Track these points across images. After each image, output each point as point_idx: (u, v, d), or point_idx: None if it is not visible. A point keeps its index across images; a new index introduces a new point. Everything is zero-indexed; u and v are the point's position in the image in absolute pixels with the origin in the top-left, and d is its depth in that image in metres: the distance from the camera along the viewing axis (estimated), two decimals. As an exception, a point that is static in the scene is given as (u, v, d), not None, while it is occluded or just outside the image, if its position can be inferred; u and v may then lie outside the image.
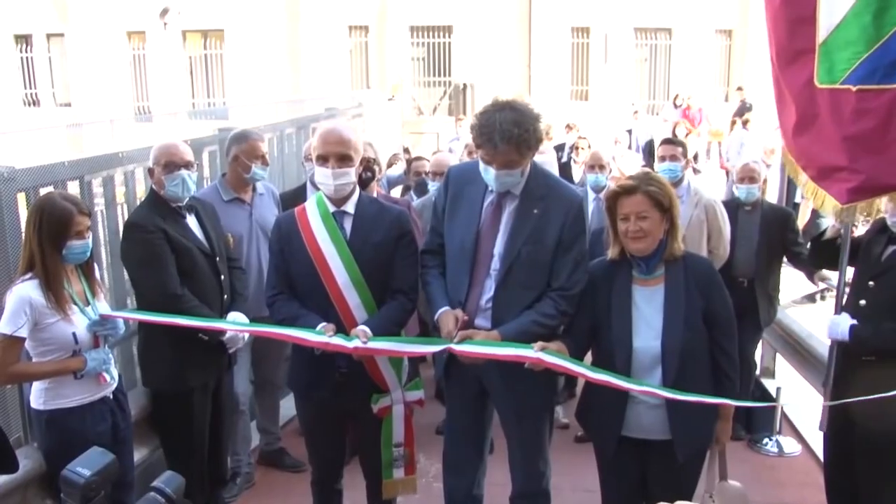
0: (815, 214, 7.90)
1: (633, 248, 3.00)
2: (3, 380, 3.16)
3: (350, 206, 3.27)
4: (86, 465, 1.80)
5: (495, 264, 3.18)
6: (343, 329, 3.17)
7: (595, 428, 3.26)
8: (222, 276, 3.82)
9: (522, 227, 3.14)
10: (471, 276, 3.21)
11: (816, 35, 3.35)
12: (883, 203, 3.34)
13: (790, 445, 5.14)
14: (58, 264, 3.10)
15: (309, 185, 4.72)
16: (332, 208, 3.26)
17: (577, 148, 9.05)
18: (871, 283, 3.40)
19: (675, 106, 17.07)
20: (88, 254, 3.23)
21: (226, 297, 3.84)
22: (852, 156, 3.31)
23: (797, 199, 8.81)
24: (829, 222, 3.85)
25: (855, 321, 3.35)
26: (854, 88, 3.26)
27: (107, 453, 1.88)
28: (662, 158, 5.06)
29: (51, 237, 3.07)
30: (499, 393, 3.31)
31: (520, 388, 3.21)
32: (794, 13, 3.41)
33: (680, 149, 5.12)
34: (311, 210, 3.28)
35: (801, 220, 7.65)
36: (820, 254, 3.94)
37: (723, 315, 3.05)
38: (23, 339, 3.05)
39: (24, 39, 23.32)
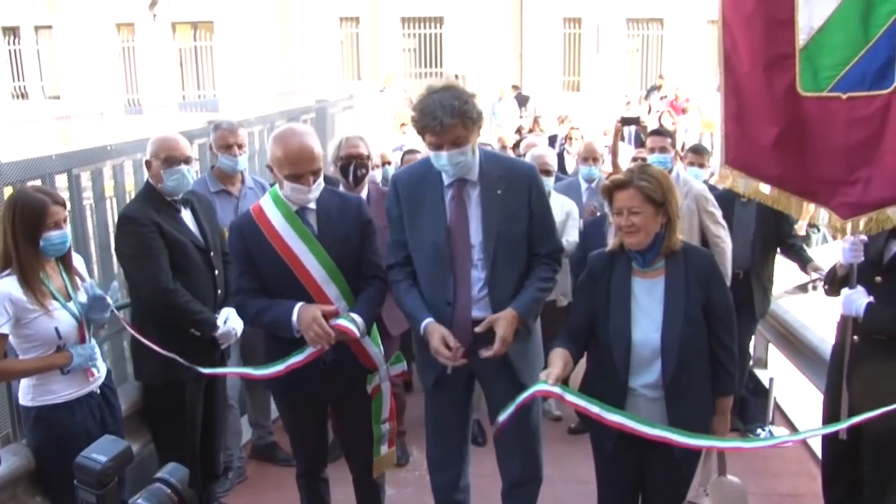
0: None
1: (627, 243, 2.98)
2: None
3: (311, 202, 3.22)
4: (101, 452, 1.81)
5: (477, 254, 3.18)
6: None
7: (594, 422, 3.23)
8: (216, 271, 3.78)
9: (493, 209, 3.16)
10: (454, 274, 3.19)
11: (796, 39, 3.26)
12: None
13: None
14: (33, 258, 3.06)
15: None
16: (293, 206, 3.20)
17: (570, 138, 9.02)
18: (878, 279, 3.35)
19: (661, 96, 17.09)
20: (67, 244, 3.18)
21: (220, 291, 3.80)
22: (849, 167, 3.23)
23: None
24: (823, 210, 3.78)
25: (871, 298, 3.31)
26: (844, 96, 3.18)
27: (119, 440, 1.89)
28: (651, 150, 5.09)
29: (25, 230, 3.03)
30: (492, 382, 3.30)
31: (507, 364, 3.22)
32: (770, 16, 3.30)
33: (669, 140, 5.15)
34: (270, 210, 3.21)
35: (803, 218, 7.61)
36: (836, 290, 3.68)
37: (723, 308, 3.02)
38: (5, 336, 3.02)
39: (12, 32, 23.18)
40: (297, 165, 3.10)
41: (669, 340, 2.92)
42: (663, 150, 5.05)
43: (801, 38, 3.25)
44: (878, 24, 3.07)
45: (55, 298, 3.13)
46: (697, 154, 5.55)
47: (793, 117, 3.33)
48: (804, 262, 5.24)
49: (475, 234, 3.18)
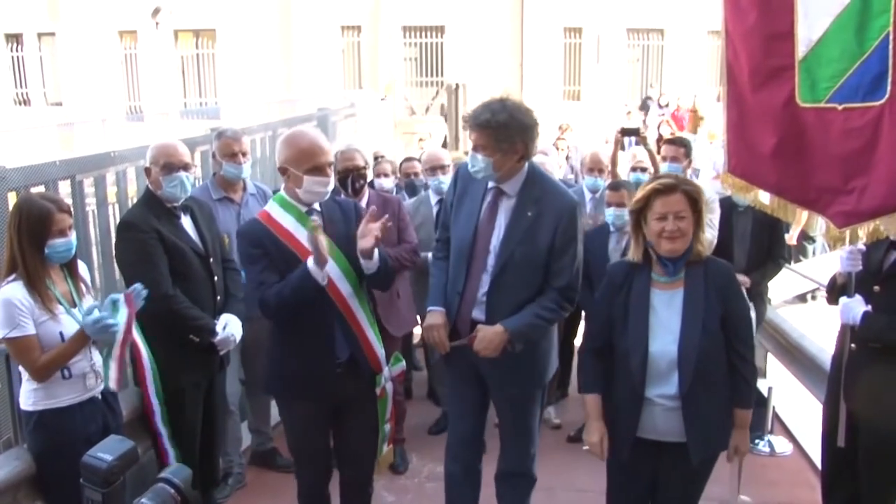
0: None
1: (666, 249, 2.95)
2: (39, 377, 3.11)
3: (316, 204, 3.28)
4: (107, 451, 1.83)
5: (491, 260, 3.29)
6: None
7: (610, 428, 3.19)
8: (216, 278, 3.80)
9: (517, 227, 3.25)
10: (468, 270, 3.32)
11: (796, 51, 3.33)
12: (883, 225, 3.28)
13: (782, 445, 5.15)
14: (38, 264, 3.07)
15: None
16: (303, 208, 3.24)
17: (557, 149, 9.03)
18: (876, 287, 3.37)
19: (660, 106, 17.11)
20: (73, 251, 3.20)
21: (219, 298, 3.82)
22: (844, 177, 3.29)
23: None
24: (819, 222, 3.82)
25: (869, 307, 3.33)
26: (840, 107, 3.24)
27: (126, 440, 1.91)
28: (664, 158, 5.11)
29: (31, 236, 3.05)
30: (493, 375, 3.38)
31: (511, 368, 3.30)
32: (770, 29, 3.37)
33: (683, 149, 5.16)
34: (280, 215, 3.23)
35: (794, 228, 7.71)
36: (837, 298, 3.72)
37: (741, 320, 3.03)
38: (33, 336, 3.03)
39: (14, 38, 23.25)
40: (315, 157, 3.17)
41: (687, 352, 2.92)
42: (675, 159, 5.08)
43: (801, 49, 3.32)
44: (872, 38, 3.15)
45: (60, 303, 3.14)
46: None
47: (791, 127, 3.40)
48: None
49: (495, 243, 3.29)
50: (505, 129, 3.15)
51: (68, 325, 3.14)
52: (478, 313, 3.33)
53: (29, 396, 3.17)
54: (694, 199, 2.94)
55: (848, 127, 3.24)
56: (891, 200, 3.20)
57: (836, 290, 3.65)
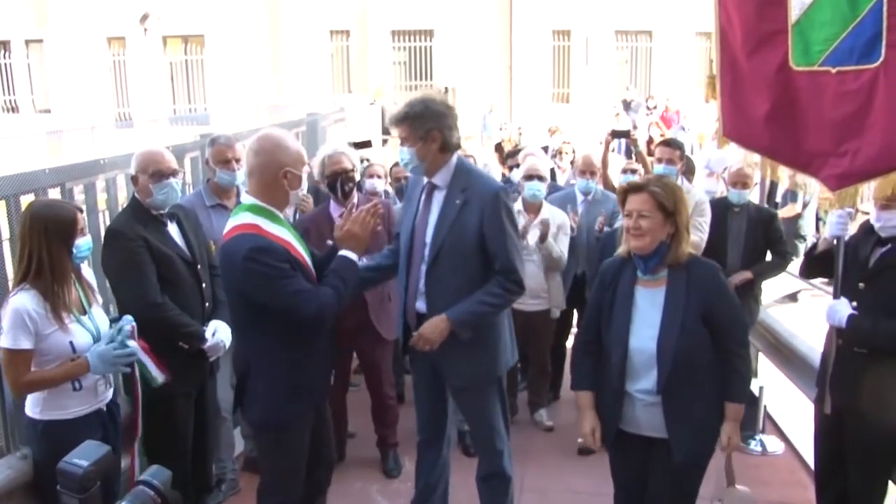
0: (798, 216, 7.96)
1: (631, 245, 3.04)
2: (17, 392, 3.09)
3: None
4: (82, 457, 1.84)
5: (426, 251, 3.42)
6: None
7: (601, 418, 3.26)
8: (204, 284, 3.79)
9: (447, 217, 3.39)
10: (409, 263, 3.48)
11: (789, 15, 3.37)
12: (869, 205, 3.34)
13: (774, 444, 5.17)
14: (67, 268, 3.06)
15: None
16: (279, 213, 3.14)
17: (561, 153, 8.96)
18: (861, 284, 3.40)
19: (648, 109, 17.15)
20: (91, 249, 3.22)
21: (207, 304, 3.81)
22: (837, 140, 3.32)
23: (777, 199, 8.91)
24: (809, 221, 3.87)
25: (854, 305, 3.36)
26: (834, 70, 3.27)
27: (101, 445, 1.92)
28: (659, 160, 5.11)
29: (61, 239, 3.02)
30: (445, 365, 3.48)
31: (462, 358, 3.41)
32: None
33: (677, 152, 5.15)
34: (267, 224, 3.04)
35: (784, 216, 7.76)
36: (813, 267, 3.84)
37: (730, 318, 3.04)
38: (29, 351, 2.99)
39: (2, 45, 23.21)
40: (303, 155, 3.20)
41: (664, 350, 2.96)
42: (670, 161, 5.07)
43: (794, 13, 3.37)
44: (866, 1, 3.17)
45: (71, 312, 3.11)
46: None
47: (785, 92, 3.45)
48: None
49: (429, 235, 3.43)
50: (420, 118, 3.31)
51: (79, 334, 3.11)
52: (420, 304, 3.46)
53: (37, 404, 3.12)
54: (660, 202, 2.97)
55: (842, 90, 3.27)
56: (882, 163, 3.23)
57: (814, 260, 3.69)
